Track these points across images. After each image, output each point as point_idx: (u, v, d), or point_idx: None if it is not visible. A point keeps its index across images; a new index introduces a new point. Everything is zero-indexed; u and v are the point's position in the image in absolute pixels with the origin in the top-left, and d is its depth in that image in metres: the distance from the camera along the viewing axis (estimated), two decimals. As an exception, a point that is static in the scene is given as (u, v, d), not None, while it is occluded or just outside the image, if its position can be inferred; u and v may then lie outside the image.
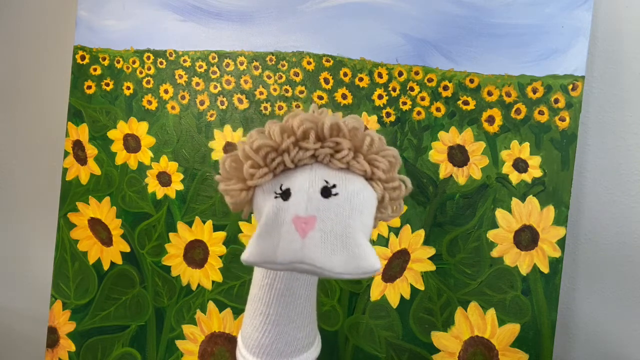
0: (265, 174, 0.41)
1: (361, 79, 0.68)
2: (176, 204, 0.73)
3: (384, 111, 0.68)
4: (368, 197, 0.41)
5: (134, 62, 0.74)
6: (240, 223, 0.71)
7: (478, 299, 0.66)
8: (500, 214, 0.66)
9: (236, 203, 0.44)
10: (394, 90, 0.68)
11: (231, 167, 0.43)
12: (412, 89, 0.67)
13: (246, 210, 0.45)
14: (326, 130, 0.41)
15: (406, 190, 0.45)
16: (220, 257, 0.71)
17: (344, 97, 0.69)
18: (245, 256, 0.39)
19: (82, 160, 0.76)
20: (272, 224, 0.39)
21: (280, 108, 0.70)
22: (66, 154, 0.76)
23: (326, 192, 0.40)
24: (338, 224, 0.39)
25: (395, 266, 0.68)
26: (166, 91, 0.73)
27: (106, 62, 0.75)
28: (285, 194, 0.40)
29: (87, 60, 0.75)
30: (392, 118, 0.68)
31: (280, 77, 0.70)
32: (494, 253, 0.66)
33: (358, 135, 0.42)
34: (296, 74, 0.70)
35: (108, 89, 0.75)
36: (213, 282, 0.72)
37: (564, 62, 0.64)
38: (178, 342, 0.73)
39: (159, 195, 0.73)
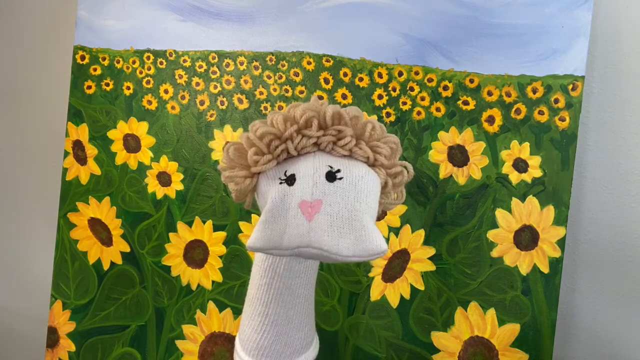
0: (269, 160, 0.42)
1: (361, 79, 0.68)
2: (176, 204, 0.73)
3: (384, 111, 0.68)
4: (372, 181, 0.42)
5: (134, 62, 0.74)
6: (240, 223, 0.71)
7: (478, 299, 0.66)
8: (500, 214, 0.66)
9: (240, 190, 0.44)
10: (394, 90, 0.68)
11: (235, 155, 0.44)
12: (412, 89, 0.67)
13: (248, 200, 0.46)
14: (328, 118, 0.41)
15: (408, 176, 0.45)
16: (220, 257, 0.71)
17: (344, 97, 0.69)
18: (251, 242, 0.39)
19: (82, 160, 0.76)
20: (278, 209, 0.39)
21: (280, 108, 0.70)
22: (66, 154, 0.76)
23: (331, 176, 0.40)
24: (344, 207, 0.39)
25: (395, 266, 0.68)
26: (166, 91, 0.73)
27: (106, 62, 0.75)
28: (290, 180, 0.40)
29: (87, 60, 0.75)
30: (392, 118, 0.68)
31: (280, 77, 0.70)
32: (494, 253, 0.66)
33: (359, 123, 0.43)
34: (296, 74, 0.70)
35: (108, 89, 0.75)
36: (213, 282, 0.72)
37: (564, 62, 0.64)
38: (178, 342, 0.73)
39: (159, 195, 0.73)
